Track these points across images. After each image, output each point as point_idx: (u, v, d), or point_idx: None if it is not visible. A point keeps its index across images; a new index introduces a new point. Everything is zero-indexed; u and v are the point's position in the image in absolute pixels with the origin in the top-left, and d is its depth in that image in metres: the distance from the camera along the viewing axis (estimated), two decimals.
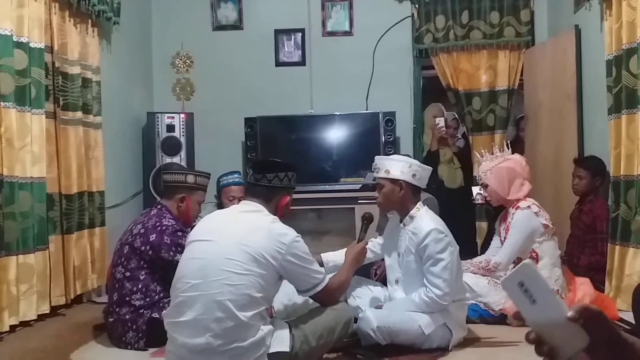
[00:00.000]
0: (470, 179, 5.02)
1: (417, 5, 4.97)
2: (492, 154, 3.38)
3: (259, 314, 2.13)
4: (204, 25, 5.17)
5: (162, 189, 3.16)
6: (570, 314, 0.79)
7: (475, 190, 3.67)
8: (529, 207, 3.18)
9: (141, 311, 2.71)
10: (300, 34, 5.12)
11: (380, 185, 2.75)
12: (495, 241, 3.38)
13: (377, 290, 2.94)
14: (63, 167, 3.42)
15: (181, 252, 2.39)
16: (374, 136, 4.70)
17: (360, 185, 4.65)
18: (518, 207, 3.20)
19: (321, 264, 2.78)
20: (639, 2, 3.13)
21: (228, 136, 5.00)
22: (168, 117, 4.60)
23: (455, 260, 2.60)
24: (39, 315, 3.06)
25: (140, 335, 2.69)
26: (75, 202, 3.48)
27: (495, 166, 3.27)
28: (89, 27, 3.77)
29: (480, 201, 3.64)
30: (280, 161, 2.47)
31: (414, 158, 3.26)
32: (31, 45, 3.06)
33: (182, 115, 4.65)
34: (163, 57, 5.17)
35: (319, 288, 2.30)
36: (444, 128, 5.12)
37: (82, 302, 3.63)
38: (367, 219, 2.74)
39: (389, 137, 4.66)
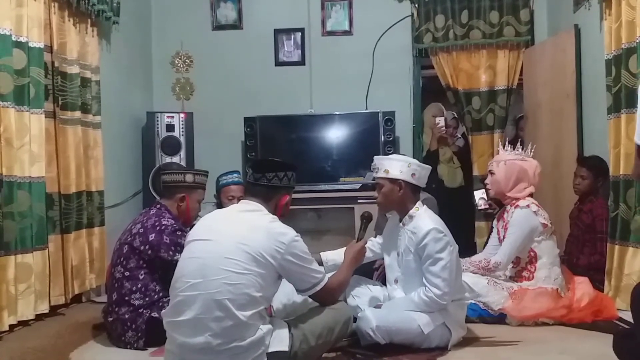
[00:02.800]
0: (470, 179, 5.03)
1: (416, 5, 4.96)
2: (514, 149, 3.35)
3: (258, 314, 2.13)
4: (204, 25, 5.17)
5: (161, 189, 3.16)
6: None
7: (478, 195, 3.65)
8: (528, 206, 3.17)
9: (140, 310, 2.71)
10: (300, 33, 5.12)
11: (379, 185, 2.75)
12: (493, 239, 3.38)
13: (376, 290, 2.94)
14: (62, 166, 3.42)
15: (180, 252, 2.39)
16: (374, 136, 4.70)
17: (360, 184, 4.65)
18: (517, 205, 3.20)
19: (320, 263, 2.79)
20: (638, 2, 3.13)
21: (228, 136, 5.00)
22: (167, 117, 4.60)
23: (455, 260, 2.60)
24: (38, 315, 3.06)
25: (139, 334, 2.68)
26: (74, 201, 3.47)
27: (512, 160, 3.26)
28: (89, 27, 3.77)
29: (483, 206, 3.61)
30: (280, 161, 2.47)
31: (414, 158, 3.26)
32: (30, 44, 3.05)
33: (182, 115, 4.65)
34: (163, 56, 5.17)
35: (318, 287, 2.30)
36: (444, 127, 5.12)
37: (81, 301, 3.63)
38: (366, 218, 2.74)
39: (388, 136, 4.66)
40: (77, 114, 3.54)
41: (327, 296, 2.36)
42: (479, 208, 3.61)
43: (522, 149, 3.36)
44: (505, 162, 3.26)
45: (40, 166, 3.10)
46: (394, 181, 2.69)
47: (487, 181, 3.36)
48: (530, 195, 3.26)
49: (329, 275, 2.41)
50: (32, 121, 3.05)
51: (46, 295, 3.14)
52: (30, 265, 2.98)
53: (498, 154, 3.40)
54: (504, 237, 3.21)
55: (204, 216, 2.45)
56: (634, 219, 3.15)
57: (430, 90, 5.47)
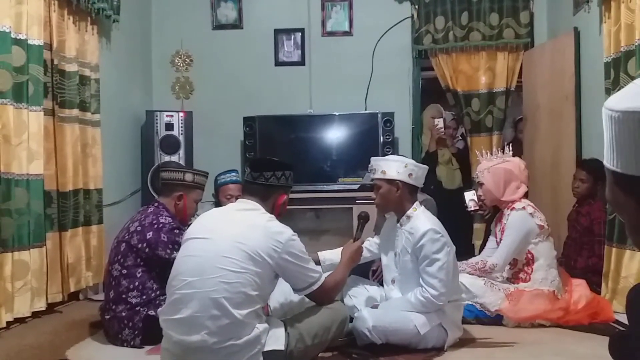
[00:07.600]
0: (469, 180, 5.02)
1: (416, 6, 4.97)
2: (492, 154, 3.37)
3: (254, 312, 2.13)
4: (204, 24, 5.17)
5: (160, 187, 3.16)
6: None
7: (468, 196, 3.67)
8: (523, 208, 3.18)
9: (137, 308, 2.72)
10: (300, 33, 5.12)
11: (377, 186, 2.75)
12: (491, 242, 3.38)
13: (373, 290, 2.95)
14: (60, 164, 3.42)
15: (178, 250, 2.40)
16: (373, 136, 4.70)
17: (359, 185, 4.65)
18: (513, 208, 3.20)
19: (317, 262, 2.79)
20: (638, 5, 3.13)
21: (227, 135, 5.00)
22: (167, 116, 4.60)
23: (452, 261, 2.60)
24: (35, 312, 3.05)
25: (136, 332, 2.69)
26: (70, 199, 3.46)
27: (493, 166, 3.27)
28: (88, 25, 3.77)
29: (473, 207, 3.62)
30: (278, 160, 2.47)
31: (413, 159, 3.26)
32: (30, 42, 3.05)
33: (181, 114, 4.65)
34: (163, 55, 5.17)
35: (314, 287, 2.30)
36: (443, 129, 5.12)
37: (78, 299, 3.63)
38: (363, 218, 2.75)
39: (387, 137, 4.66)
40: (76, 111, 3.54)
41: (324, 295, 2.36)
42: (469, 209, 3.62)
43: (502, 151, 3.37)
44: (489, 170, 3.27)
45: (39, 163, 3.10)
46: (391, 182, 2.69)
47: (479, 192, 3.37)
48: (526, 195, 3.26)
49: (325, 274, 2.42)
50: (31, 118, 3.05)
51: (43, 293, 3.14)
52: (27, 262, 2.98)
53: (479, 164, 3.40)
54: (501, 240, 3.21)
55: (201, 215, 2.45)
56: None
57: (429, 92, 5.47)
